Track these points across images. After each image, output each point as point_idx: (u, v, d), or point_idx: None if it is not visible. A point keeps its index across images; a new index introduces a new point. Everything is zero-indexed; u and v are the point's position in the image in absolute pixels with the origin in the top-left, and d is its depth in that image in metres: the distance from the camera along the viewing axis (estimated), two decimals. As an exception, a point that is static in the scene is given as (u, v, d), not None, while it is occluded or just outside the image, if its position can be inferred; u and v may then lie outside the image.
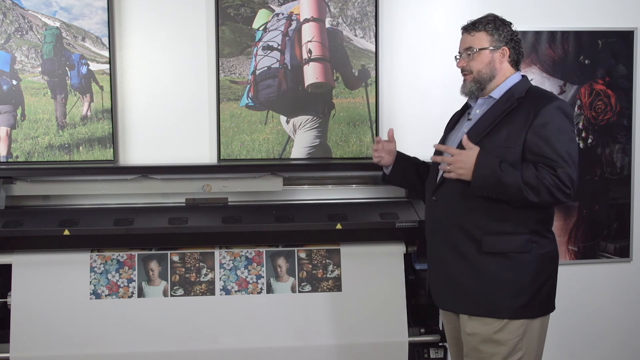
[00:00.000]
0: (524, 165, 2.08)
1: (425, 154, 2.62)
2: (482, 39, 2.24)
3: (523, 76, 2.29)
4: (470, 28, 2.27)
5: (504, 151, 2.12)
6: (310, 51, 3.07)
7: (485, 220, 2.16)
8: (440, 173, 2.26)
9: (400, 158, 2.60)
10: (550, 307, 2.25)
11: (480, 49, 2.23)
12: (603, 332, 3.36)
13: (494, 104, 2.24)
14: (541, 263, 2.19)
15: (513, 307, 2.15)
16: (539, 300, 2.19)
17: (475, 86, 2.25)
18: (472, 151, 2.09)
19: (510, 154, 2.11)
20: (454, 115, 2.53)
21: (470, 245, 2.18)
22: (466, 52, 2.26)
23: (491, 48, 2.23)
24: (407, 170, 2.60)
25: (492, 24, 2.25)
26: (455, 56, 2.34)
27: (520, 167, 2.07)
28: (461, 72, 2.30)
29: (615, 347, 3.38)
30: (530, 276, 2.16)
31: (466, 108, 2.41)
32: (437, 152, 2.31)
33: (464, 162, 2.09)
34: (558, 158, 2.07)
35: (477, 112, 2.28)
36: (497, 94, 2.25)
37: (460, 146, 2.17)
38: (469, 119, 2.30)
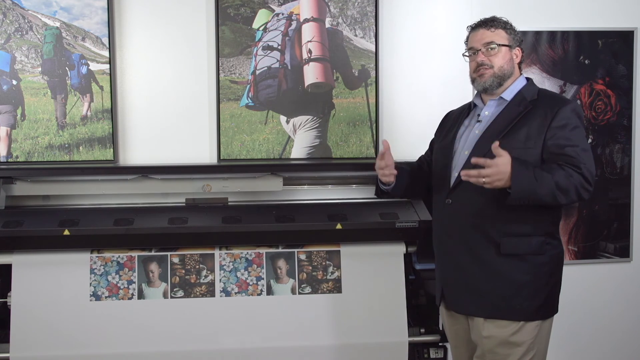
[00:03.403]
0: (553, 168, 2.07)
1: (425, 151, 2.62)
2: (502, 35, 2.24)
3: (528, 79, 2.31)
4: (489, 24, 2.26)
5: (524, 152, 2.12)
6: (310, 51, 3.07)
7: (504, 223, 2.16)
8: (455, 175, 2.25)
9: (400, 171, 2.43)
10: (557, 307, 2.27)
11: (501, 45, 2.23)
12: (603, 331, 3.37)
13: (507, 105, 2.24)
14: (553, 264, 2.21)
15: (529, 309, 2.16)
16: (551, 301, 2.22)
17: (496, 81, 2.23)
18: (505, 159, 2.04)
19: (529, 155, 2.12)
20: (450, 114, 2.52)
21: (488, 248, 2.18)
22: (486, 47, 2.23)
23: (510, 46, 2.25)
24: (408, 182, 2.48)
25: (508, 24, 2.27)
26: (464, 53, 2.32)
27: (550, 170, 2.06)
28: (477, 67, 2.25)
29: (616, 347, 3.38)
30: (545, 278, 2.18)
31: (468, 108, 2.40)
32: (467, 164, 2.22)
33: (500, 171, 2.02)
34: (578, 156, 2.09)
35: (485, 113, 2.27)
36: (508, 95, 2.25)
37: (477, 147, 2.19)
38: (478, 121, 2.28)
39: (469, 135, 2.29)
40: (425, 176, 2.52)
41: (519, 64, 2.30)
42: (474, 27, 2.30)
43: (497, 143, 2.07)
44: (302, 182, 3.02)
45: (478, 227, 2.19)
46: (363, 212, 2.83)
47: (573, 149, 2.10)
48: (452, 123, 2.44)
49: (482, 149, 2.17)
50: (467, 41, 2.33)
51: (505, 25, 2.26)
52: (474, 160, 2.12)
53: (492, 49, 2.23)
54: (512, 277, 2.16)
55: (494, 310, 2.18)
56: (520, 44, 2.29)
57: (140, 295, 2.72)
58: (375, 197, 2.58)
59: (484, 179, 2.05)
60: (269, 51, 3.05)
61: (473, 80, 2.30)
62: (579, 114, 2.17)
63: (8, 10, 2.93)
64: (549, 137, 2.12)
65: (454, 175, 2.26)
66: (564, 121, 2.13)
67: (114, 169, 2.89)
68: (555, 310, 2.25)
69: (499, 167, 2.03)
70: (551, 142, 2.12)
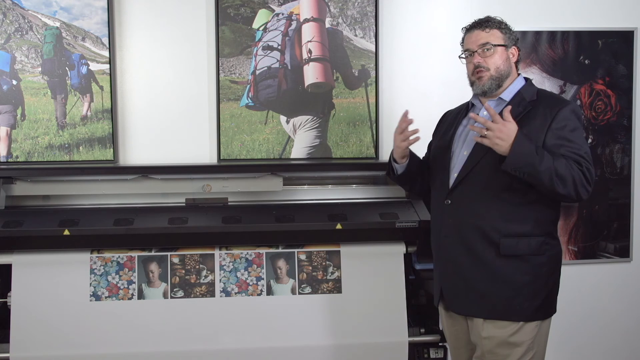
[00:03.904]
0: (555, 154, 2.07)
1: (424, 153, 2.61)
2: (497, 35, 2.23)
3: (526, 78, 2.30)
4: (483, 25, 2.24)
5: None
6: (310, 51, 3.07)
7: (504, 223, 2.15)
8: (454, 176, 2.25)
9: (413, 155, 2.46)
10: (555, 307, 2.27)
11: (497, 45, 2.22)
12: (603, 332, 3.37)
13: (506, 106, 2.22)
14: (552, 264, 2.21)
15: (529, 309, 2.16)
16: (550, 301, 2.22)
17: (494, 84, 2.22)
18: (513, 125, 2.05)
19: None
20: (448, 114, 2.52)
21: (487, 248, 2.17)
22: (482, 49, 2.22)
23: (506, 45, 2.24)
24: (418, 169, 2.48)
25: (503, 23, 2.26)
26: (461, 55, 2.31)
27: (552, 155, 2.06)
28: (474, 69, 2.24)
29: (615, 347, 3.39)
30: (544, 278, 2.18)
31: (465, 108, 2.39)
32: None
33: (505, 133, 2.03)
34: (579, 157, 2.09)
35: (484, 113, 2.25)
36: (507, 96, 2.24)
37: (476, 148, 2.18)
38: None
39: (467, 136, 2.28)
40: (427, 174, 2.52)
41: (516, 63, 2.29)
42: (469, 29, 2.29)
43: (509, 108, 2.09)
44: (302, 182, 3.02)
45: (477, 227, 2.18)
46: (363, 212, 2.82)
47: (573, 151, 2.10)
48: (449, 123, 2.43)
49: (481, 149, 2.17)
50: (462, 43, 2.32)
51: (500, 25, 2.25)
52: (485, 104, 2.15)
53: (487, 50, 2.22)
54: (512, 277, 2.15)
55: (493, 311, 2.18)
56: (517, 42, 2.28)
57: (140, 296, 2.72)
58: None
59: (486, 132, 2.04)
60: (269, 51, 3.05)
61: (472, 83, 2.28)
62: (579, 115, 2.17)
63: (8, 10, 2.93)
64: (548, 138, 2.12)
65: (453, 176, 2.26)
66: (564, 122, 2.12)
67: (114, 169, 2.89)
68: (554, 310, 2.25)
69: (506, 126, 2.03)
70: (551, 143, 2.11)
